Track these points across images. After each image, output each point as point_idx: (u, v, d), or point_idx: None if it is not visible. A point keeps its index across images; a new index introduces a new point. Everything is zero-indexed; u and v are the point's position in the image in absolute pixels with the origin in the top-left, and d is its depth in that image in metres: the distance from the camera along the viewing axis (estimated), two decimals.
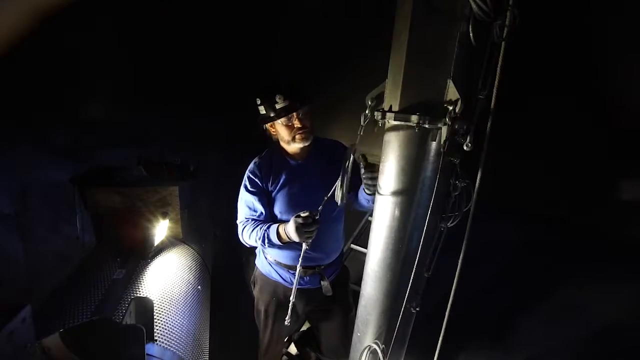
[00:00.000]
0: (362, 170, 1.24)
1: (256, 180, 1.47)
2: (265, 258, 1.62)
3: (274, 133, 1.46)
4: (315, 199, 1.28)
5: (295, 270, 1.52)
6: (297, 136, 1.39)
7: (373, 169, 1.21)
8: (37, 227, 2.61)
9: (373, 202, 1.42)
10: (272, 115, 1.37)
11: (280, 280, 1.59)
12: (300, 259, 1.32)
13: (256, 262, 1.71)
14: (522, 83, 1.76)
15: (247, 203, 1.49)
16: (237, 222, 1.54)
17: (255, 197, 1.46)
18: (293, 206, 1.44)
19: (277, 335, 1.72)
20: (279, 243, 1.38)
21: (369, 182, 1.23)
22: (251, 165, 1.50)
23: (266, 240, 1.40)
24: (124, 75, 3.14)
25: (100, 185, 2.25)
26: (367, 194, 1.34)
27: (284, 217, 1.48)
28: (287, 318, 1.35)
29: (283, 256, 1.53)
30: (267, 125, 1.46)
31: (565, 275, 1.93)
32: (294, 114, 1.36)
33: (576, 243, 1.92)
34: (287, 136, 1.40)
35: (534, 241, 2.06)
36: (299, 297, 1.60)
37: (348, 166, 1.17)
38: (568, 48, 1.87)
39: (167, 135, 3.32)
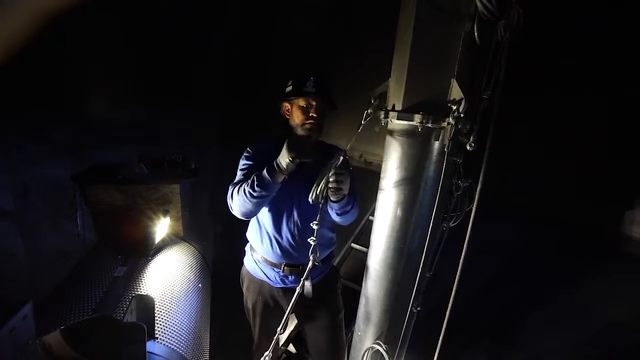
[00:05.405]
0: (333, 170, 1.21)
1: (252, 153, 1.50)
2: (252, 255, 1.63)
3: (288, 116, 1.48)
4: (303, 197, 1.29)
5: (280, 268, 1.53)
6: (307, 124, 1.44)
7: (343, 171, 1.20)
8: (37, 224, 2.61)
9: (338, 215, 1.44)
10: (296, 93, 1.44)
11: (265, 279, 1.60)
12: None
13: (244, 260, 1.72)
14: (525, 81, 1.77)
15: (242, 171, 1.47)
16: (229, 191, 1.45)
17: (252, 165, 1.46)
18: (278, 200, 1.44)
19: (267, 332, 1.72)
20: (267, 177, 1.29)
21: (334, 184, 1.21)
22: (248, 148, 1.53)
23: (255, 178, 1.30)
24: (126, 74, 3.15)
25: (101, 183, 2.25)
26: (332, 200, 1.33)
27: (267, 212, 1.48)
28: (279, 328, 1.32)
29: (270, 253, 1.53)
30: (284, 109, 1.50)
31: (566, 275, 1.93)
32: (314, 103, 1.42)
33: (578, 243, 1.92)
34: (299, 119, 1.44)
35: (536, 241, 2.06)
36: (285, 296, 1.60)
37: (331, 165, 1.16)
38: (567, 48, 1.87)
39: (168, 133, 3.33)
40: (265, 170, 1.29)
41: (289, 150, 1.24)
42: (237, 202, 1.37)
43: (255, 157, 1.48)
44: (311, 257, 1.22)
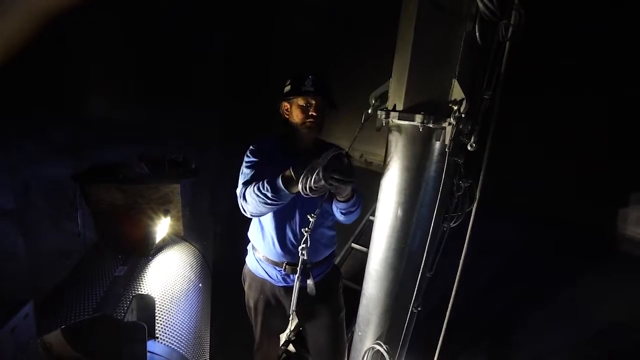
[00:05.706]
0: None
1: (255, 149, 1.49)
2: (254, 254, 1.63)
3: (288, 115, 1.49)
4: (305, 196, 1.26)
5: (282, 267, 1.53)
6: (307, 122, 1.44)
7: (345, 172, 1.14)
8: (38, 223, 2.62)
9: (342, 214, 1.44)
10: (294, 92, 1.44)
11: (267, 278, 1.60)
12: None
13: (246, 258, 1.72)
14: (527, 82, 1.77)
15: (249, 169, 1.44)
16: (237, 190, 1.41)
17: (258, 162, 1.45)
18: None
19: (268, 331, 1.73)
20: (283, 189, 1.22)
21: (334, 181, 1.12)
22: (250, 146, 1.52)
23: (269, 188, 1.24)
24: (126, 74, 3.15)
25: (102, 182, 2.24)
26: (338, 200, 1.32)
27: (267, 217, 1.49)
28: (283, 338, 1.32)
29: (272, 252, 1.54)
30: (283, 109, 1.50)
31: (566, 275, 1.93)
32: (313, 102, 1.42)
33: (578, 243, 1.92)
34: (298, 119, 1.44)
35: (536, 241, 2.06)
36: (286, 295, 1.60)
37: (324, 158, 1.10)
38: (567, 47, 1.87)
39: (168, 133, 3.33)
40: (281, 181, 1.22)
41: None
42: (251, 205, 1.33)
43: (259, 154, 1.48)
44: (302, 247, 1.21)
